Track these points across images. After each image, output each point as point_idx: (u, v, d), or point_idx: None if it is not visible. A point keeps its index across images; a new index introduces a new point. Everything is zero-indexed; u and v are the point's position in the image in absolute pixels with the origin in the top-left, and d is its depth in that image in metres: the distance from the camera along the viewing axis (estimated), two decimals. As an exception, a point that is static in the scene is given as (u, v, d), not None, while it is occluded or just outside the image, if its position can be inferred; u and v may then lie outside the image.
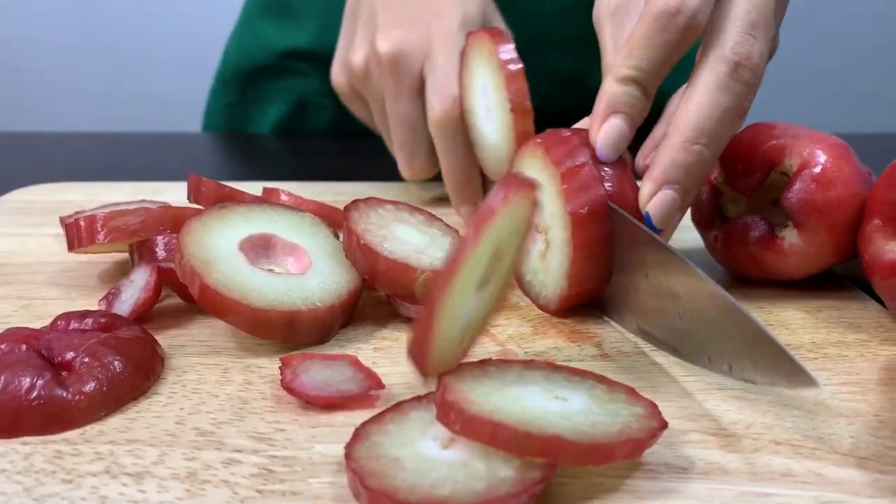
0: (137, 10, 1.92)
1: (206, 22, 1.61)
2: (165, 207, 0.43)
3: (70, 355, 0.32)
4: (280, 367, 0.33)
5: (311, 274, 0.38)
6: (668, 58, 0.38)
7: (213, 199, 0.44)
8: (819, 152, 0.42)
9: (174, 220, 0.42)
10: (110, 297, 0.39)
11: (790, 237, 0.42)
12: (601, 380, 0.30)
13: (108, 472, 0.27)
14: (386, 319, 0.40)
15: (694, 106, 0.37)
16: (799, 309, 0.42)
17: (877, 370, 0.35)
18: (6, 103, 1.94)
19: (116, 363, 0.32)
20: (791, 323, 0.40)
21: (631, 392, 0.30)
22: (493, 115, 0.47)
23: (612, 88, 0.39)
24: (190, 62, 1.60)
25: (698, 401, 0.32)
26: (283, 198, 0.48)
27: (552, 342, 0.38)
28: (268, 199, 0.46)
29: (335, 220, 0.45)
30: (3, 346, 0.32)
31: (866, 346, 0.38)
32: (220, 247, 0.38)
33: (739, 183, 0.44)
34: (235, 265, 0.37)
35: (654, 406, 0.29)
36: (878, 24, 1.89)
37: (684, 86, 0.39)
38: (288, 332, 0.36)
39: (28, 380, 0.30)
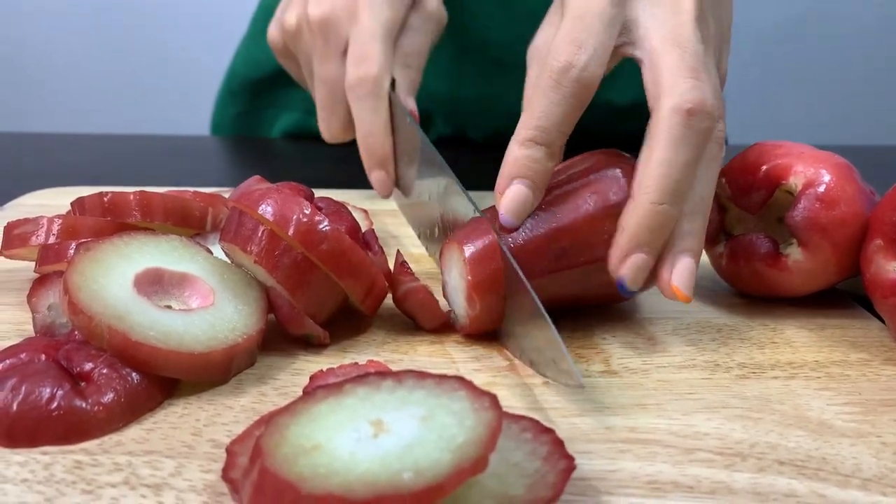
0: (148, 12, 1.93)
1: (218, 24, 1.62)
2: (67, 216, 0.42)
3: (89, 366, 0.32)
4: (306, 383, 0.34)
5: (220, 302, 0.36)
6: (567, 114, 0.38)
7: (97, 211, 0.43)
8: (823, 172, 0.42)
9: (71, 230, 0.41)
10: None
11: (794, 255, 0.43)
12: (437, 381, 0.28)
13: (127, 484, 0.28)
14: (399, 330, 0.40)
15: (654, 164, 0.37)
16: (803, 327, 0.42)
17: (879, 391, 0.36)
18: (15, 105, 1.95)
19: (134, 374, 0.32)
20: (795, 341, 0.41)
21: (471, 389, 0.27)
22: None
23: (514, 153, 0.38)
24: (201, 64, 1.60)
25: (703, 419, 0.33)
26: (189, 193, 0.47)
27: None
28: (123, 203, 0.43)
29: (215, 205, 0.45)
30: (23, 356, 0.33)
31: (868, 365, 0.38)
32: (121, 295, 0.34)
33: (745, 201, 0.44)
34: (149, 312, 0.34)
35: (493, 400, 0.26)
36: (887, 33, 1.89)
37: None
38: (226, 369, 0.35)
39: (48, 390, 0.31)
